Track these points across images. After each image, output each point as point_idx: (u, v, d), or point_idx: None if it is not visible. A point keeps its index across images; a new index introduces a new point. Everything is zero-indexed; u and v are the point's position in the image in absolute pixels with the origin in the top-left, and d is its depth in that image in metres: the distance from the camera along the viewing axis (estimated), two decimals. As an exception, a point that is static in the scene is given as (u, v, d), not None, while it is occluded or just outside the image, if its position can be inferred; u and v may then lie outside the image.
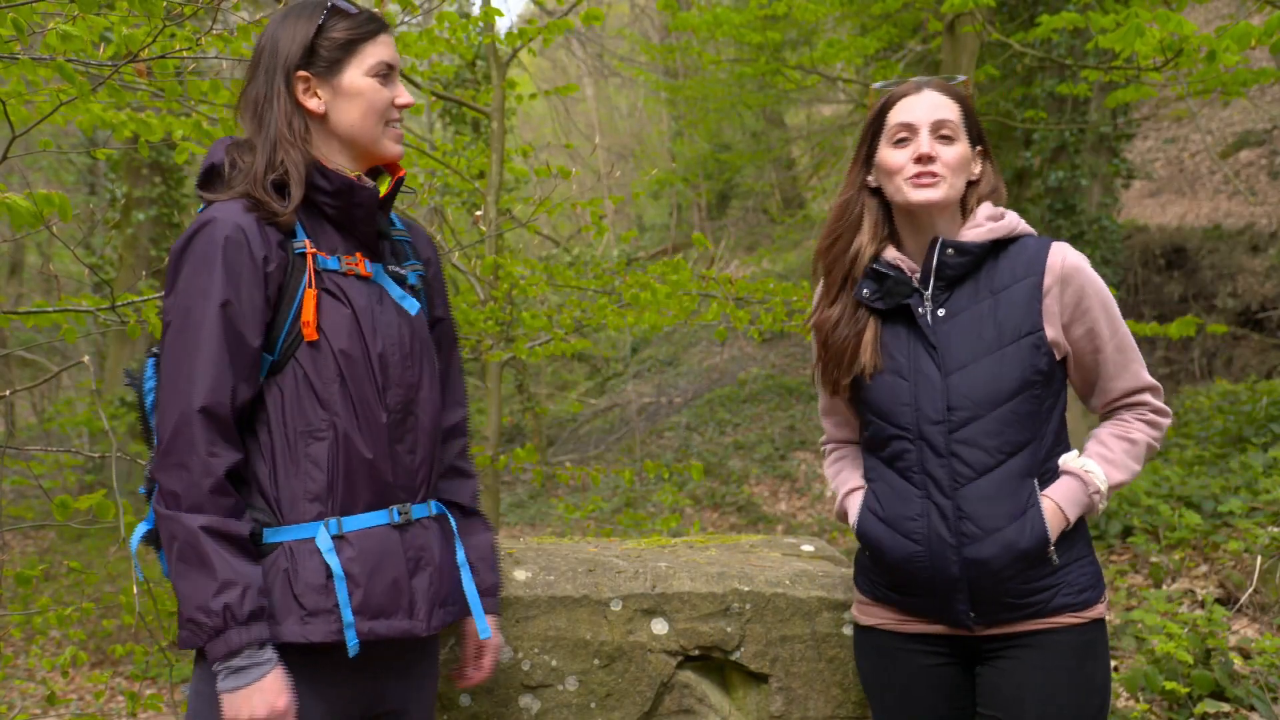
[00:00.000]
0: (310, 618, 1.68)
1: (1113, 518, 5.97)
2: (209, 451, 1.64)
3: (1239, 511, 5.24)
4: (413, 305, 1.87)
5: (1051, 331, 1.89)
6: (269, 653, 1.65)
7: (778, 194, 19.58)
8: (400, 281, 1.90)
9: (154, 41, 2.64)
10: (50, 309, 3.53)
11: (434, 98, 6.38)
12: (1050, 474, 1.91)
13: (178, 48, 2.97)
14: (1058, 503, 1.87)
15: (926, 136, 1.91)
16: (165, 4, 2.57)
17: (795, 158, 18.56)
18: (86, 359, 3.30)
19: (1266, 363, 10.78)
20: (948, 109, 1.93)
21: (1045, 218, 10.64)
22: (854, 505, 2.05)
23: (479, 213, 5.18)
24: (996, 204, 1.99)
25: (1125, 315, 1.99)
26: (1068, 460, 1.91)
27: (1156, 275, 12.13)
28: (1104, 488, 1.88)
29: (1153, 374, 1.97)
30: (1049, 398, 1.90)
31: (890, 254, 1.97)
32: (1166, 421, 1.96)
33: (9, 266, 15.63)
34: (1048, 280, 1.88)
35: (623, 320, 6.08)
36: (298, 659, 1.70)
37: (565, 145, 8.06)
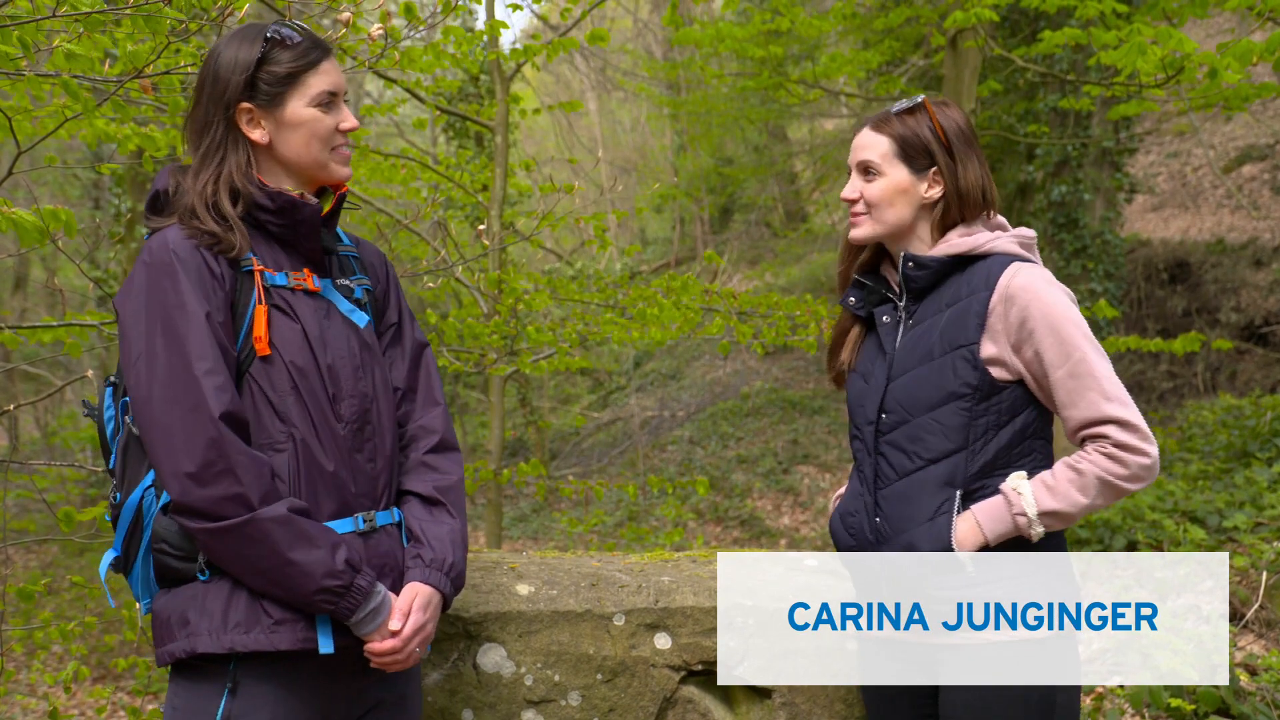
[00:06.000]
0: (277, 626, 1.71)
1: (1117, 532, 5.95)
2: (248, 450, 1.68)
3: (1244, 527, 5.23)
4: (361, 318, 1.92)
5: (992, 349, 1.89)
6: (381, 586, 1.78)
7: (780, 208, 19.60)
8: (348, 295, 1.93)
9: (159, 58, 2.65)
10: (55, 324, 3.54)
11: (438, 112, 6.41)
12: (989, 491, 1.90)
13: (182, 63, 2.99)
14: (977, 518, 1.87)
15: (854, 178, 2.05)
16: (170, 21, 2.59)
17: (798, 172, 18.58)
18: (90, 373, 3.30)
19: (1270, 377, 10.75)
20: (870, 147, 2.03)
21: (1048, 232, 10.65)
22: (835, 507, 2.18)
23: (482, 226, 5.18)
24: (974, 217, 2.00)
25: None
26: (1007, 481, 1.89)
27: (1159, 290, 12.11)
28: (1031, 512, 1.83)
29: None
30: (986, 415, 1.89)
31: (885, 268, 2.13)
32: (1134, 459, 1.81)
33: (14, 281, 15.67)
34: (994, 298, 1.90)
35: (627, 334, 6.09)
36: (274, 667, 1.73)
37: (568, 159, 8.10)
